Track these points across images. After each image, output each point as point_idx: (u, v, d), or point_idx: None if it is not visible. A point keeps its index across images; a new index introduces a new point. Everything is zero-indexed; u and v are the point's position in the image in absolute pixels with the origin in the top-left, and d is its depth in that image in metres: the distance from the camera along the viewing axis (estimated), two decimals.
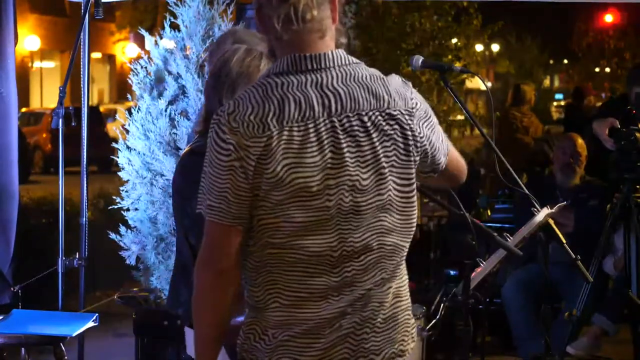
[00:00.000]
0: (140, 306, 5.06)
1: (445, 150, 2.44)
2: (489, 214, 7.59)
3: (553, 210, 3.78)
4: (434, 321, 5.26)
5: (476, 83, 17.05)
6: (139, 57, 5.55)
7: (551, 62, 44.25)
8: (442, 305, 5.50)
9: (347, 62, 2.31)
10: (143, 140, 5.30)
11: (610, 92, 26.14)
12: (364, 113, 2.27)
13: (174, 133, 5.27)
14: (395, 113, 2.31)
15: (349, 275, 2.27)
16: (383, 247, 2.30)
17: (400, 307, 2.37)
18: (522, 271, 5.89)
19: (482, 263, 3.75)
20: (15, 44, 4.78)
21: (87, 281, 4.79)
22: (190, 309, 3.05)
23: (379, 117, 2.29)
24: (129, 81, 5.50)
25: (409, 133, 2.33)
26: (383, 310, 2.33)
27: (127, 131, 5.34)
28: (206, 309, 2.29)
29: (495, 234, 3.12)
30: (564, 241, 3.72)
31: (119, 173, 5.36)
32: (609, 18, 28.54)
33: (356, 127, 2.26)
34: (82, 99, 4.89)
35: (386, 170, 2.29)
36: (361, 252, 2.28)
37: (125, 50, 31.27)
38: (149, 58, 5.51)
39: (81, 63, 4.82)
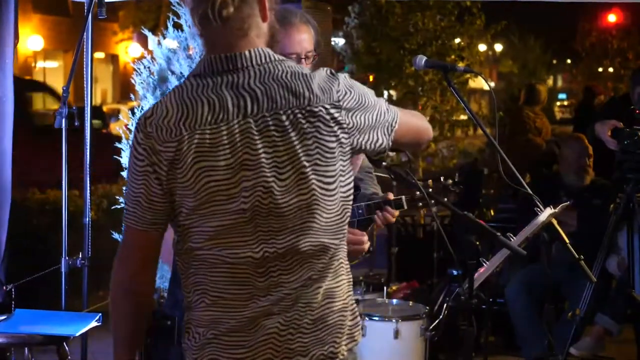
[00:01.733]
0: None
1: (390, 126, 2.40)
2: (493, 213, 7.59)
3: (556, 210, 3.77)
4: (437, 321, 5.27)
5: (479, 83, 17.01)
6: (142, 57, 5.56)
7: (554, 61, 44.22)
8: (445, 305, 5.52)
9: (267, 60, 2.27)
10: None
11: (613, 92, 26.12)
12: (282, 112, 2.23)
13: None
14: (316, 110, 2.26)
15: (275, 275, 2.26)
16: (310, 247, 2.27)
17: (332, 308, 2.33)
18: (526, 271, 5.89)
19: (486, 263, 3.75)
20: (16, 44, 4.77)
21: (91, 281, 4.79)
22: None
23: (299, 115, 2.24)
24: (132, 81, 5.51)
25: (335, 127, 2.28)
26: (311, 310, 2.30)
27: (130, 131, 5.34)
28: (120, 301, 2.38)
29: (499, 234, 3.12)
30: (567, 241, 3.72)
31: (122, 173, 5.36)
32: (612, 18, 28.48)
33: (272, 127, 2.22)
34: (85, 98, 4.89)
35: (307, 169, 2.24)
36: (286, 253, 2.25)
37: (128, 50, 31.28)
38: (152, 58, 5.52)
39: (84, 63, 4.81)
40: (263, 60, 2.27)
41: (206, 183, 2.19)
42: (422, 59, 3.89)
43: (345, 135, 2.30)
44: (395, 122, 2.42)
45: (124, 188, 5.37)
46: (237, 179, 2.20)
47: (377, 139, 2.38)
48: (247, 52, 2.25)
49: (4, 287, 4.63)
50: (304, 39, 3.65)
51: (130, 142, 2.30)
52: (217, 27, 2.24)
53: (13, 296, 4.58)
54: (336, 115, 2.29)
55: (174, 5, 5.59)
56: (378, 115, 2.38)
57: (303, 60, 3.69)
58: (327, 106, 2.28)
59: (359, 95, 2.35)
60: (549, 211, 3.75)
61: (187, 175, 2.20)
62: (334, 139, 2.28)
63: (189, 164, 2.19)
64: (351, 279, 2.45)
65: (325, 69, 2.36)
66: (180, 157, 2.19)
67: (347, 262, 2.42)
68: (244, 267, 2.24)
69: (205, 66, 2.26)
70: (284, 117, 2.23)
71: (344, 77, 2.37)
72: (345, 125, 2.30)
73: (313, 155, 2.25)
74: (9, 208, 4.75)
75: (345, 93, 2.32)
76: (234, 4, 2.23)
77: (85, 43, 4.76)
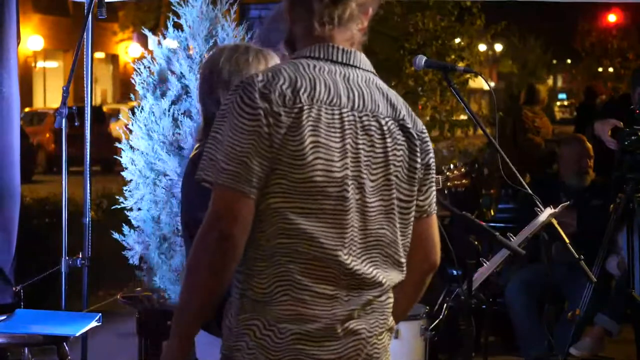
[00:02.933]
0: (144, 306, 5.06)
1: (432, 209, 2.37)
2: (492, 213, 7.59)
3: (556, 210, 3.78)
4: (437, 321, 5.27)
5: (479, 83, 17.02)
6: (142, 57, 5.56)
7: (554, 62, 44.24)
8: (445, 305, 5.52)
9: (370, 69, 2.33)
10: (146, 140, 5.31)
11: (613, 92, 26.13)
12: (381, 117, 2.26)
13: (177, 133, 5.27)
14: (408, 126, 2.30)
15: (359, 277, 2.20)
16: (380, 255, 2.24)
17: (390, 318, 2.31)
18: (525, 271, 5.88)
19: (486, 263, 3.75)
20: (18, 43, 4.79)
21: (91, 281, 4.79)
22: None
23: (394, 125, 2.27)
24: (132, 81, 5.51)
25: (417, 150, 2.30)
26: (385, 318, 2.28)
27: (130, 131, 5.35)
28: (205, 271, 2.12)
29: (498, 234, 3.12)
30: (567, 241, 3.72)
31: (122, 173, 5.37)
32: (612, 18, 28.51)
33: (374, 128, 2.24)
34: (86, 98, 4.90)
35: (392, 177, 2.25)
36: (361, 255, 2.21)
37: (128, 50, 31.28)
38: (152, 58, 5.52)
39: (84, 63, 4.82)
40: (368, 68, 2.32)
41: (316, 159, 2.14)
42: (422, 59, 3.90)
43: (420, 166, 2.32)
44: (433, 213, 2.40)
45: (123, 188, 5.38)
46: (342, 165, 2.18)
47: (426, 203, 2.36)
48: (359, 54, 2.31)
49: (14, 288, 4.64)
50: None
51: (230, 102, 2.18)
52: (337, 30, 2.28)
53: (22, 297, 4.60)
54: (418, 143, 2.32)
55: (174, 5, 5.58)
56: (434, 192, 2.39)
57: None
58: (414, 130, 2.31)
59: (433, 158, 2.38)
60: (549, 211, 3.75)
61: (301, 145, 2.13)
62: (419, 160, 2.31)
63: (306, 134, 2.14)
64: None
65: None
66: (298, 126, 2.14)
67: None
68: (333, 263, 2.17)
69: (320, 51, 2.25)
70: (383, 122, 2.25)
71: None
72: (423, 157, 2.32)
73: (397, 166, 2.27)
74: (19, 206, 4.76)
75: (427, 135, 2.36)
76: (356, 17, 2.30)
77: (85, 43, 4.76)
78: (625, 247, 5.38)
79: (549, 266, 5.66)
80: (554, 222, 3.75)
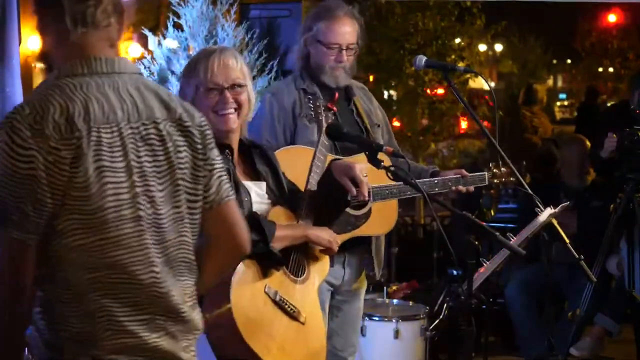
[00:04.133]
0: None
1: (222, 196, 2.31)
2: (493, 213, 7.59)
3: (556, 210, 3.78)
4: (437, 321, 5.27)
5: (479, 83, 17.00)
6: (142, 57, 5.57)
7: (554, 62, 44.20)
8: (445, 305, 5.52)
9: (135, 71, 2.23)
10: None
11: (614, 92, 26.11)
12: (158, 121, 2.18)
13: None
14: (187, 124, 2.23)
15: (169, 298, 2.18)
16: (182, 262, 2.23)
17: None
18: (526, 271, 5.89)
19: (486, 263, 3.76)
20: (19, 43, 4.79)
21: None
22: None
23: (172, 127, 2.20)
24: None
25: (199, 147, 2.25)
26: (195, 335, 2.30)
27: None
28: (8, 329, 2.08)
29: (498, 234, 3.12)
30: (568, 241, 3.73)
31: None
32: (612, 18, 28.48)
33: (153, 136, 2.16)
34: None
35: (180, 182, 2.20)
36: (164, 267, 2.17)
37: (128, 50, 31.24)
38: (152, 58, 5.53)
39: None
40: (132, 70, 2.22)
41: (105, 184, 2.05)
42: (422, 59, 3.91)
43: (205, 161, 2.27)
44: (227, 201, 2.34)
45: None
46: (130, 184, 2.10)
47: (211, 192, 2.31)
48: (120, 59, 2.19)
49: None
50: (347, 31, 3.79)
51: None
52: (91, 32, 2.16)
53: None
54: (199, 138, 2.26)
55: (174, 5, 5.59)
56: (224, 180, 2.34)
57: (344, 51, 3.79)
58: (194, 126, 2.25)
59: (215, 147, 2.34)
60: (549, 211, 3.75)
61: (86, 175, 2.03)
62: (201, 156, 2.26)
63: (89, 162, 2.03)
64: None
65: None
66: (80, 155, 2.02)
67: None
68: (146, 287, 2.13)
69: (84, 67, 2.13)
70: (161, 127, 2.18)
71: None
72: (206, 151, 2.27)
73: (183, 169, 2.21)
74: None
75: (207, 127, 2.30)
76: (112, 14, 2.19)
77: None
78: (625, 247, 5.39)
79: (549, 266, 5.66)
80: (554, 222, 3.75)
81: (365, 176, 3.26)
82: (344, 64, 3.83)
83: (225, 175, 2.35)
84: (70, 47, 2.15)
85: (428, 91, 11.55)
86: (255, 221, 2.97)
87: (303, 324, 3.13)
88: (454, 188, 3.82)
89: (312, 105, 3.50)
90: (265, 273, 3.04)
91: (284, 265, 3.11)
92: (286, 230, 3.11)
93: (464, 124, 13.73)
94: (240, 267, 2.93)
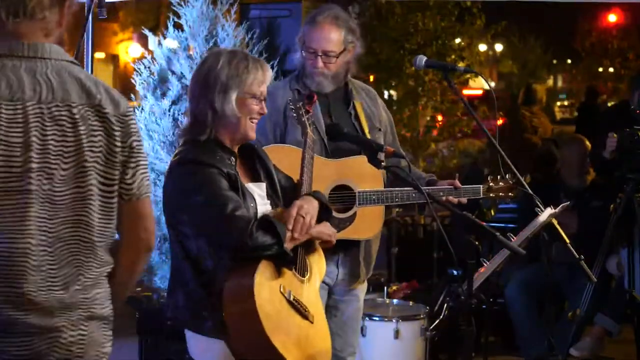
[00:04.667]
0: (144, 306, 5.06)
1: (141, 192, 2.44)
2: (493, 213, 7.59)
3: (556, 210, 3.78)
4: (437, 321, 5.27)
5: (479, 83, 17.03)
6: (142, 57, 5.57)
7: (554, 62, 44.21)
8: (445, 305, 5.52)
9: (64, 58, 2.38)
10: (146, 140, 5.31)
11: (614, 92, 26.12)
12: (74, 105, 2.32)
13: (177, 133, 5.27)
14: (105, 111, 2.36)
15: (45, 269, 2.27)
16: (78, 242, 2.32)
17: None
18: (526, 271, 5.89)
19: (486, 263, 3.76)
20: None
21: None
22: (187, 313, 3.07)
23: (89, 112, 2.34)
24: (133, 81, 5.51)
25: (117, 134, 2.37)
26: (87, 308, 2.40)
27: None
28: None
29: (498, 234, 3.12)
30: (568, 241, 3.73)
31: None
32: (612, 18, 28.51)
33: (64, 117, 2.30)
34: None
35: (89, 164, 2.33)
36: (54, 243, 2.29)
37: (128, 50, 31.24)
38: (153, 58, 5.52)
39: (85, 63, 4.82)
40: (61, 57, 2.36)
41: None
42: (422, 59, 3.91)
43: (122, 149, 2.38)
44: (145, 196, 2.45)
45: None
46: (25, 159, 2.24)
47: (133, 184, 2.42)
48: (47, 45, 2.35)
49: None
50: (324, 37, 3.78)
51: None
52: (25, 22, 2.33)
53: None
54: (119, 127, 2.37)
55: (174, 5, 5.59)
56: (144, 176, 2.45)
57: (320, 57, 3.79)
58: (114, 114, 2.37)
59: (139, 140, 2.44)
60: (549, 211, 3.75)
61: None
62: (119, 143, 2.37)
63: None
64: None
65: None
66: None
67: None
68: (20, 256, 2.24)
69: (4, 49, 2.31)
70: (75, 110, 2.32)
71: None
72: (124, 140, 2.38)
73: (96, 152, 2.34)
74: None
75: (133, 118, 2.42)
76: (47, 7, 2.34)
77: (85, 43, 4.76)
78: (625, 247, 5.39)
79: (549, 266, 5.67)
80: (554, 222, 3.75)
81: (307, 214, 3.20)
82: (322, 70, 3.83)
83: (147, 171, 2.47)
84: (4, 35, 2.33)
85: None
86: (269, 224, 3.01)
87: (312, 323, 3.19)
88: (444, 198, 3.81)
89: (292, 107, 3.55)
90: (279, 273, 3.09)
91: (294, 266, 3.15)
92: None
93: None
94: (261, 266, 3.00)
